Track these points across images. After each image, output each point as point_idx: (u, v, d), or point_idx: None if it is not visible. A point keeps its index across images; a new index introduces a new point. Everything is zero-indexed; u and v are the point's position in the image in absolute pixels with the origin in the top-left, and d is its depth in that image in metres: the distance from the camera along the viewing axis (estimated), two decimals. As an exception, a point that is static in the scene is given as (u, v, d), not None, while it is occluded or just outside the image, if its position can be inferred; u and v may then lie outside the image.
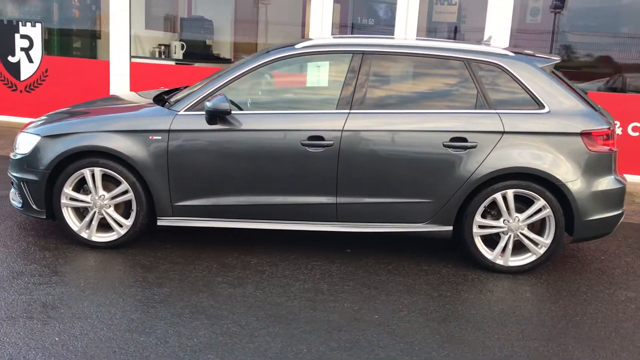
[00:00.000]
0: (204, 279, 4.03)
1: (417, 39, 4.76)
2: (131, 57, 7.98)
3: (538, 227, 4.32)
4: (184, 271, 4.13)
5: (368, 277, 4.18)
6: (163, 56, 8.32)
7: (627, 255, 4.86)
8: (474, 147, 4.17)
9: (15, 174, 4.51)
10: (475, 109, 4.26)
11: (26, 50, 8.27)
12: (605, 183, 4.27)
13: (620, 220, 4.41)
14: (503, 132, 4.18)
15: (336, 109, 4.27)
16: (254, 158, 4.27)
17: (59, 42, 8.52)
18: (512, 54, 4.35)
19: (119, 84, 7.82)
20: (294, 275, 4.15)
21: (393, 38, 4.61)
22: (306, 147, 4.20)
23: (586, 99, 4.47)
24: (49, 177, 4.37)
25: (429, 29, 8.84)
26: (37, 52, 8.25)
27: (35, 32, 8.22)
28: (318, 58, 4.54)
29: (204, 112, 4.20)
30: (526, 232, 4.27)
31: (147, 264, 4.22)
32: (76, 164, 4.34)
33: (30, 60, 8.27)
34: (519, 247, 4.33)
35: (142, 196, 4.34)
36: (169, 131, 4.27)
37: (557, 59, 4.55)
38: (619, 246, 5.06)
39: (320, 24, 7.77)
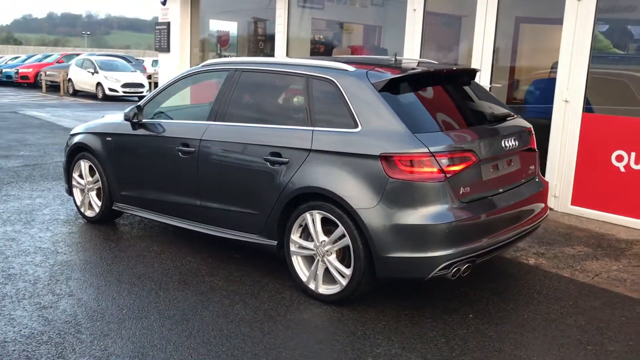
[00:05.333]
0: (107, 240, 5.03)
1: (294, 58, 4.72)
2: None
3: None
4: (107, 235, 5.21)
5: (201, 277, 4.49)
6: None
7: (519, 320, 3.86)
8: (286, 163, 4.12)
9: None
10: (301, 124, 4.17)
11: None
12: (414, 217, 3.65)
13: (443, 265, 3.64)
14: (310, 150, 4.02)
15: (206, 120, 4.74)
16: (153, 160, 5.06)
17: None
18: (351, 69, 4.08)
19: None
20: (158, 260, 4.79)
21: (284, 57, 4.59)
22: (179, 153, 4.79)
23: (422, 118, 3.86)
24: (67, 165, 5.98)
25: None
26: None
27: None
28: (210, 75, 5.02)
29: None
30: (332, 258, 3.97)
31: (101, 227, 5.44)
32: (77, 156, 5.85)
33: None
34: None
35: (106, 184, 5.57)
36: (114, 134, 5.41)
37: (397, 74, 4.00)
38: (539, 312, 4.01)
39: (571, 51, 5.90)
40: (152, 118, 5.16)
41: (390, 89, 3.92)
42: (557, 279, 4.55)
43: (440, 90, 4.21)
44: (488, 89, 6.57)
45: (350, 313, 3.91)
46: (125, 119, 5.14)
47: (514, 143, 4.10)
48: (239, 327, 3.70)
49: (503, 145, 4.01)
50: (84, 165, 5.75)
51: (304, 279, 4.14)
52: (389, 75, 3.96)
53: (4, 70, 28.67)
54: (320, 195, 3.95)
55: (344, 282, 3.91)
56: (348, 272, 3.87)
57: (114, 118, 5.75)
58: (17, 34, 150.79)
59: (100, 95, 21.37)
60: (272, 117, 4.47)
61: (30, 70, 27.20)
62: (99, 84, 21.46)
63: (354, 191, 3.77)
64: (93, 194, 5.77)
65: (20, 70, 27.54)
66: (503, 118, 4.28)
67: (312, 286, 4.09)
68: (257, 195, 4.30)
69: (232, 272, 4.60)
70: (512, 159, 4.20)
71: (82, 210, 5.90)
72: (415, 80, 4.10)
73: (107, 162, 5.47)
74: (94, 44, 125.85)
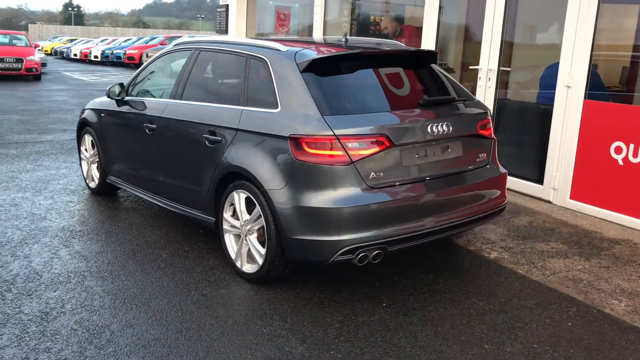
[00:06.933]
0: (95, 211, 5.39)
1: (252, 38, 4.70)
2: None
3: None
4: (100, 205, 5.57)
5: (152, 250, 4.68)
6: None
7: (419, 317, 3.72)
8: (219, 141, 4.19)
9: (81, 136, 6.70)
10: (236, 104, 4.21)
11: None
12: (317, 200, 3.60)
13: (344, 250, 3.55)
14: (237, 130, 4.06)
15: (169, 98, 4.90)
16: (130, 135, 5.31)
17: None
18: (283, 49, 4.06)
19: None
20: (126, 232, 5.06)
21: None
22: (146, 129, 5.00)
23: (338, 100, 3.76)
24: (77, 139, 6.41)
25: None
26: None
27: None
28: (180, 55, 5.12)
29: (120, 97, 5.48)
30: (252, 238, 4.01)
31: (99, 198, 5.82)
32: (83, 130, 6.25)
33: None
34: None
35: (102, 157, 5.92)
36: (106, 111, 5.73)
37: (323, 54, 3.91)
38: (460, 307, 3.84)
39: (574, 33, 5.45)
40: (137, 95, 5.39)
41: (315, 69, 3.85)
42: (507, 275, 4.29)
43: (374, 73, 4.07)
44: (495, 73, 6.24)
45: (266, 292, 3.94)
46: (106, 96, 5.42)
47: (445, 129, 3.89)
48: (151, 299, 3.84)
49: (430, 130, 3.82)
50: (88, 139, 6.13)
51: (233, 256, 4.21)
52: (314, 55, 3.89)
53: (114, 52, 30.70)
54: (243, 175, 3.98)
55: (260, 261, 3.94)
56: (263, 251, 3.89)
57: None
58: (147, 17, 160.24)
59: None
60: (217, 96, 4.54)
61: (136, 51, 28.92)
62: (190, 65, 22.39)
63: (267, 172, 3.77)
64: (94, 166, 6.14)
65: (127, 52, 29.37)
66: (443, 103, 4.08)
67: (238, 264, 4.15)
68: (199, 172, 4.40)
69: (184, 246, 4.75)
70: (450, 145, 4.00)
71: (87, 181, 6.30)
72: (345, 61, 4.00)
73: (101, 137, 5.80)
74: (214, 28, 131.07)
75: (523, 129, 6.28)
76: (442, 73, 4.43)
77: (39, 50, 36.20)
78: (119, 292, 3.91)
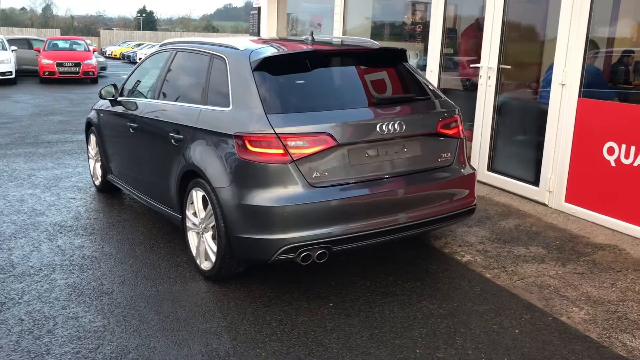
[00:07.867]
0: (92, 208, 5.60)
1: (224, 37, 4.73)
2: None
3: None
4: (99, 202, 5.79)
5: (130, 246, 4.82)
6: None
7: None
8: (182, 140, 4.26)
9: (92, 134, 6.96)
10: (198, 103, 4.27)
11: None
12: (258, 198, 3.60)
13: (284, 249, 3.54)
14: (195, 129, 4.11)
15: (149, 98, 5.02)
16: (119, 135, 5.47)
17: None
18: (241, 48, 4.09)
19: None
20: (114, 229, 5.23)
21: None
22: (130, 129, 5.15)
23: (285, 98, 3.75)
24: (85, 138, 6.67)
25: None
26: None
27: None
28: (163, 55, 5.21)
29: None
30: (207, 236, 4.06)
31: (101, 196, 6.04)
32: (89, 130, 6.49)
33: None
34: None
35: (102, 156, 6.13)
36: (103, 111, 5.93)
37: (276, 53, 3.92)
38: (407, 310, 3.76)
39: (568, 27, 5.26)
40: (127, 96, 5.54)
41: (268, 68, 3.86)
42: (471, 278, 4.16)
43: (329, 71, 4.04)
44: (495, 71, 6.05)
45: (219, 290, 3.97)
46: (99, 97, 5.60)
47: (398, 128, 3.80)
48: (106, 293, 3.94)
49: (380, 129, 3.75)
50: (92, 138, 6.36)
51: (194, 254, 4.26)
52: (267, 53, 3.90)
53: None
54: (199, 173, 4.03)
55: (213, 259, 3.97)
56: (215, 249, 3.93)
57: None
58: (216, 22, 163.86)
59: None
60: (184, 95, 4.60)
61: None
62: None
63: (216, 170, 3.81)
64: (98, 165, 6.35)
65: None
66: (397, 101, 3.99)
67: (198, 261, 4.21)
68: (168, 170, 4.49)
69: (160, 243, 4.85)
70: (406, 144, 3.91)
71: (93, 179, 6.53)
72: (300, 60, 3.97)
73: (101, 136, 6.01)
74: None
75: (522, 129, 6.06)
76: (412, 72, 4.34)
77: (104, 54, 37.73)
78: (78, 286, 4.04)
